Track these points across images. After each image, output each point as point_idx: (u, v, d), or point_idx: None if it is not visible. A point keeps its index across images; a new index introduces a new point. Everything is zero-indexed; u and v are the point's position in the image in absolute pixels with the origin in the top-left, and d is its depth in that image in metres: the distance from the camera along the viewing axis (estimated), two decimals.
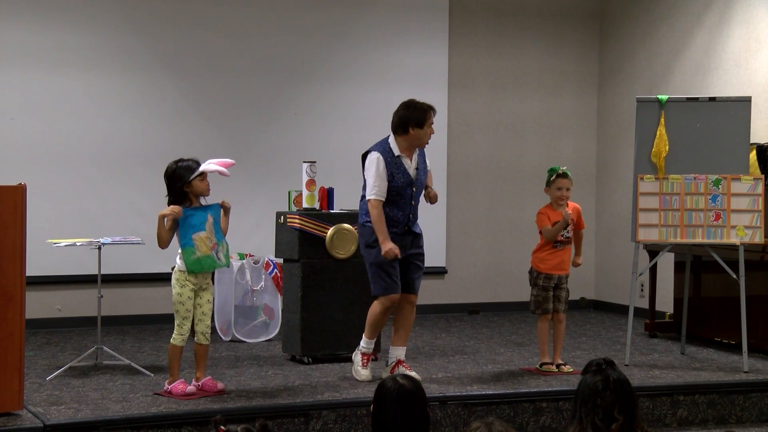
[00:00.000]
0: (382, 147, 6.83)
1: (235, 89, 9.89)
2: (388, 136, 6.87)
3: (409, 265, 6.93)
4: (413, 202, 6.91)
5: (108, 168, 9.49)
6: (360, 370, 6.98)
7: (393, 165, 6.79)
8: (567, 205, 7.37)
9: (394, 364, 6.95)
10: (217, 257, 6.47)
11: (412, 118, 6.78)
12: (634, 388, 3.94)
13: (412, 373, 6.76)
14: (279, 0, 10.05)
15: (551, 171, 7.43)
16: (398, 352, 6.98)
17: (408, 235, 6.91)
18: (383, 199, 6.79)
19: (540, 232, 7.40)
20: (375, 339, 7.08)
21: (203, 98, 9.81)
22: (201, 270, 6.43)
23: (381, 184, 6.76)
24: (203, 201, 6.54)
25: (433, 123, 6.87)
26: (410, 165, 6.86)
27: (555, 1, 11.14)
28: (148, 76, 9.65)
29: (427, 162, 7.05)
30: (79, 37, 9.43)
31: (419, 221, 7.05)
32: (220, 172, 6.46)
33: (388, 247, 6.71)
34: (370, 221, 6.82)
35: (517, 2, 11.00)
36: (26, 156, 9.19)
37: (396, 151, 6.81)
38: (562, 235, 7.35)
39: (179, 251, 6.45)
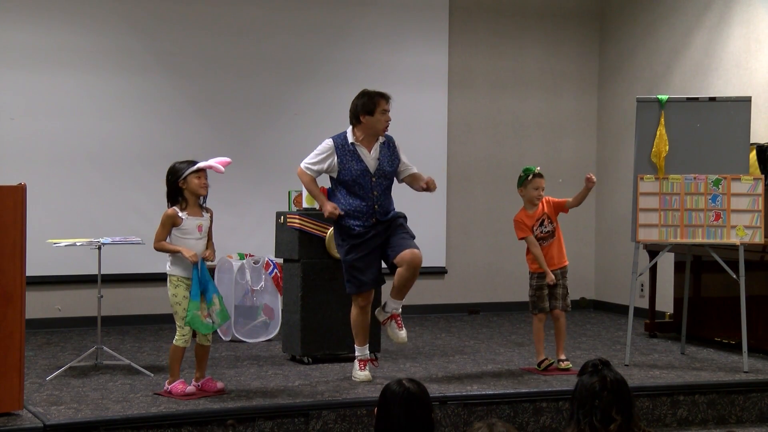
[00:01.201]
0: (339, 135, 6.94)
1: (235, 89, 9.90)
2: (349, 127, 6.96)
3: (392, 234, 6.88)
4: (376, 193, 6.88)
5: (108, 168, 9.49)
6: (358, 373, 6.99)
7: (345, 152, 6.85)
8: (539, 205, 7.38)
9: (388, 316, 6.95)
10: (204, 322, 6.49)
11: (360, 106, 6.86)
12: (634, 388, 3.95)
13: (402, 331, 6.89)
14: (279, 0, 10.05)
15: (527, 170, 7.41)
16: (394, 305, 6.94)
17: (379, 225, 6.88)
18: (311, 175, 6.89)
19: (521, 239, 7.41)
20: (366, 344, 7.07)
21: (203, 98, 9.82)
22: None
23: (315, 162, 6.87)
24: (201, 202, 6.56)
25: (387, 110, 6.87)
26: (368, 154, 6.88)
27: (555, 1, 11.14)
28: (148, 76, 9.65)
29: (401, 154, 7.01)
30: (79, 37, 9.43)
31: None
32: (215, 169, 6.49)
33: (328, 208, 6.80)
34: (341, 220, 6.85)
35: (517, 2, 11.00)
36: (26, 156, 9.19)
37: (351, 139, 6.87)
38: (542, 231, 7.36)
39: (169, 256, 6.50)
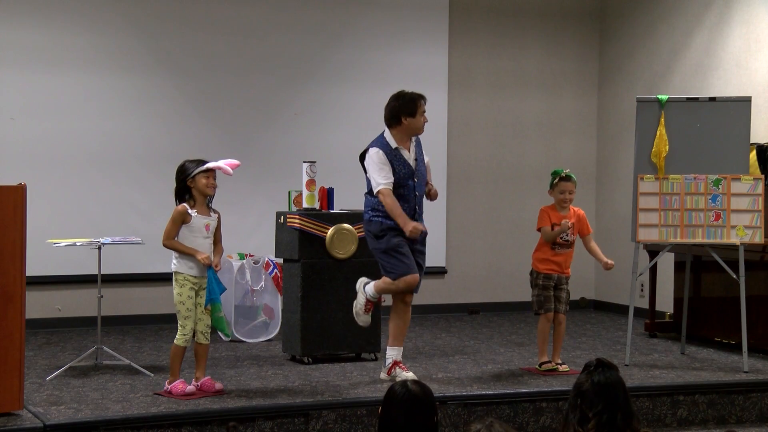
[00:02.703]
0: (380, 142, 6.83)
1: (235, 89, 9.90)
2: (384, 131, 6.87)
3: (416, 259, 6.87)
4: (417, 194, 6.86)
5: (108, 168, 9.49)
6: (361, 314, 6.92)
7: (393, 157, 6.77)
8: (570, 209, 7.37)
9: (390, 365, 6.91)
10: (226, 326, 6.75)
11: (403, 108, 6.79)
12: (634, 388, 3.94)
13: (409, 374, 6.75)
14: (279, 0, 10.05)
15: (554, 174, 7.41)
16: (394, 353, 6.92)
17: None
18: (391, 187, 6.73)
19: (538, 230, 7.41)
20: (383, 296, 7.05)
21: (203, 98, 9.81)
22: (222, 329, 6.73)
23: (387, 173, 6.71)
24: (208, 202, 6.57)
25: (425, 111, 6.85)
26: (409, 156, 6.85)
27: (555, 1, 11.14)
28: (148, 76, 9.65)
29: (425, 154, 7.03)
30: (79, 37, 9.43)
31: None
32: (224, 170, 6.50)
33: (411, 225, 6.66)
34: (376, 215, 6.78)
35: (517, 2, 11.00)
36: (26, 156, 9.18)
37: (393, 144, 6.81)
38: (562, 238, 7.34)
39: (175, 254, 6.50)
